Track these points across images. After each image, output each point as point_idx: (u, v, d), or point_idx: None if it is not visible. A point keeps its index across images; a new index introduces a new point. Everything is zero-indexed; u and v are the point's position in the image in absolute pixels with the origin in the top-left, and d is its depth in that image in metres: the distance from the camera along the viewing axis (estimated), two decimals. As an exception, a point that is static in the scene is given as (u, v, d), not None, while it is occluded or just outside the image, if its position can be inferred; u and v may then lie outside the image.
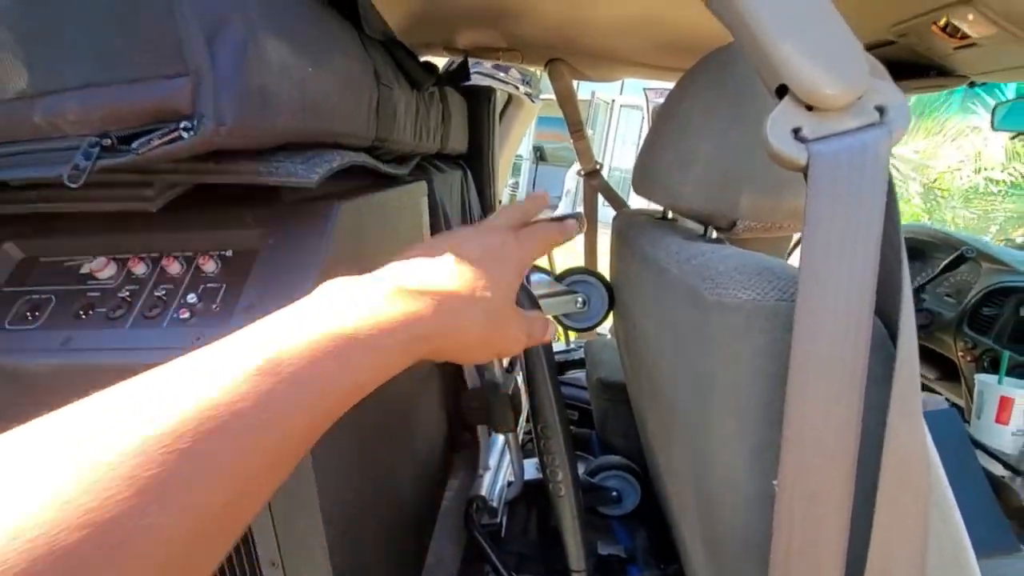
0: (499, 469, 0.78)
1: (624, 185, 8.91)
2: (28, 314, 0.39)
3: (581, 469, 0.84)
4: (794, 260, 0.35)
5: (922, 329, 1.32)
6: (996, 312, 1.20)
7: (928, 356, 1.34)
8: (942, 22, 0.74)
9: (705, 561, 0.42)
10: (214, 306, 0.38)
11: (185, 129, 0.30)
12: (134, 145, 0.30)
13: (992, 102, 3.49)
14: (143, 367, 0.20)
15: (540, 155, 8.85)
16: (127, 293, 0.40)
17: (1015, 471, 0.95)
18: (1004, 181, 5.15)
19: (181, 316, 0.38)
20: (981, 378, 1.04)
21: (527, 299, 0.73)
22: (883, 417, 0.27)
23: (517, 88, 1.97)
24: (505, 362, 0.93)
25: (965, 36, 0.74)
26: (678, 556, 0.65)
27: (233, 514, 0.19)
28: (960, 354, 1.25)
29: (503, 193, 2.87)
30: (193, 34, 0.30)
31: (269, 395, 0.20)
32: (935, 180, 5.37)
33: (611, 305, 0.72)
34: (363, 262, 0.47)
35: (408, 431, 0.62)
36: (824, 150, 0.28)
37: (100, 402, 0.19)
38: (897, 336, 0.27)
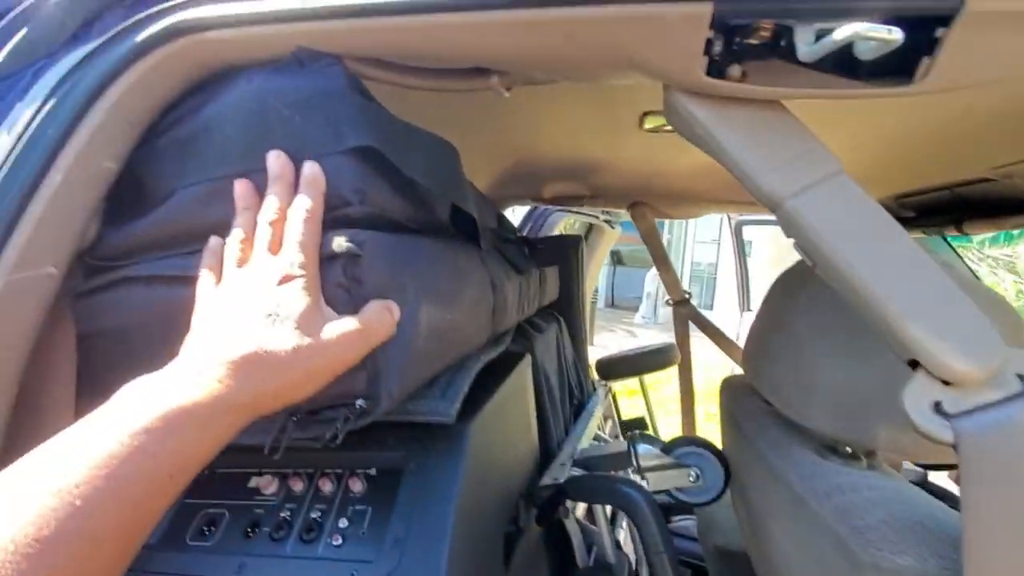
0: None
1: (708, 284, 8.72)
2: (205, 529, 0.45)
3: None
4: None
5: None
6: None
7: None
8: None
9: None
10: (362, 531, 0.42)
11: (363, 409, 0.36)
12: (327, 436, 0.36)
13: None
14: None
15: (617, 259, 9.00)
16: (288, 513, 0.45)
17: None
18: None
19: (334, 543, 0.42)
20: None
21: (636, 470, 0.72)
22: None
23: (597, 217, 2.08)
24: (621, 538, 0.89)
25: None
26: None
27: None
28: None
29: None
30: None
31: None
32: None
33: (727, 481, 0.69)
34: (493, 471, 0.50)
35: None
36: (971, 428, 0.27)
37: None
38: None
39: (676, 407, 1.53)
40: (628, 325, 8.11)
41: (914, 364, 0.29)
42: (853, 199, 0.34)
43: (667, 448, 0.71)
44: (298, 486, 0.46)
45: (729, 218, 2.18)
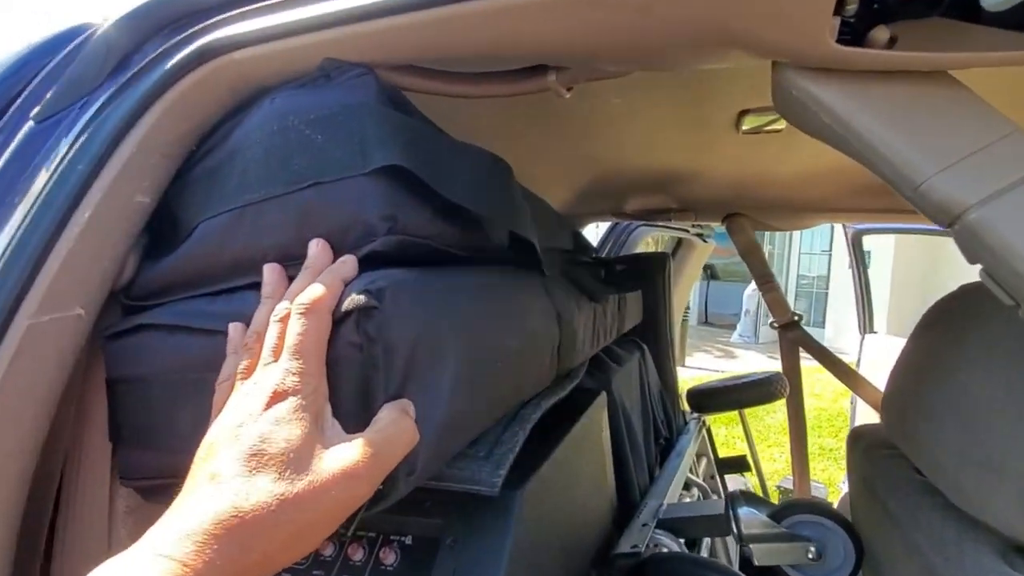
0: None
1: (818, 299, 7.92)
2: None
3: None
4: None
5: None
6: None
7: None
8: None
9: None
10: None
11: (378, 494, 0.29)
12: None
13: None
14: None
15: (711, 273, 8.46)
16: (316, 581, 0.40)
17: None
18: None
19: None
20: None
21: (737, 539, 0.60)
22: None
23: (687, 231, 1.92)
24: None
25: None
26: None
27: None
28: None
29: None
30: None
31: None
32: None
33: (859, 562, 0.54)
34: (553, 540, 0.42)
35: None
36: None
37: None
38: None
39: (779, 438, 1.34)
40: (725, 344, 7.56)
41: None
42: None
43: (778, 515, 0.58)
44: (328, 551, 0.41)
45: (844, 227, 1.93)
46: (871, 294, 2.11)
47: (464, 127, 0.37)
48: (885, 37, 0.25)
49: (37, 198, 0.35)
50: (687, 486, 0.95)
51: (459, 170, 0.37)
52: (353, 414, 0.28)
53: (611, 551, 0.57)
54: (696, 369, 5.09)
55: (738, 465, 1.32)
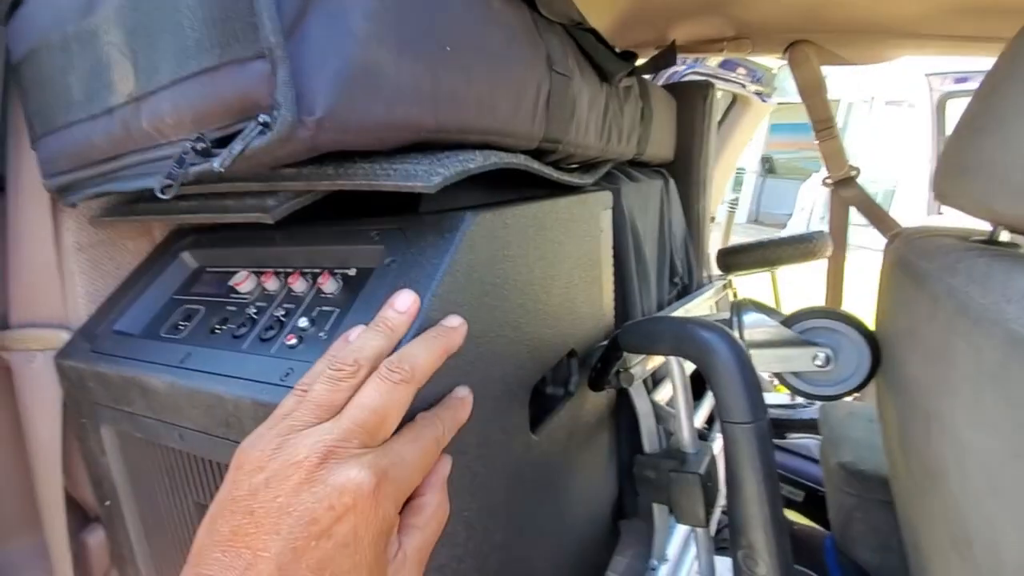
0: (680, 564, 0.60)
1: (887, 207, 7.23)
2: (180, 324, 0.40)
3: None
4: None
5: None
6: None
7: None
8: None
9: None
10: (322, 333, 0.33)
11: (264, 124, 0.24)
12: (220, 154, 0.25)
13: None
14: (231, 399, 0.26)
15: (769, 167, 7.83)
16: (255, 310, 0.37)
17: None
18: None
19: (288, 343, 0.33)
20: None
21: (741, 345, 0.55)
22: None
23: (743, 87, 1.69)
24: (699, 418, 0.73)
25: None
26: None
27: None
28: None
29: (720, 211, 2.51)
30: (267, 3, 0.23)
31: None
32: None
33: (875, 367, 0.49)
34: (504, 286, 0.37)
35: (566, 492, 0.50)
36: None
37: None
38: None
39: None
40: (772, 244, 7.18)
41: None
42: None
43: (789, 321, 0.52)
44: (272, 284, 0.38)
45: (930, 88, 1.66)
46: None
47: None
48: None
49: None
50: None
51: None
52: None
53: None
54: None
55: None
